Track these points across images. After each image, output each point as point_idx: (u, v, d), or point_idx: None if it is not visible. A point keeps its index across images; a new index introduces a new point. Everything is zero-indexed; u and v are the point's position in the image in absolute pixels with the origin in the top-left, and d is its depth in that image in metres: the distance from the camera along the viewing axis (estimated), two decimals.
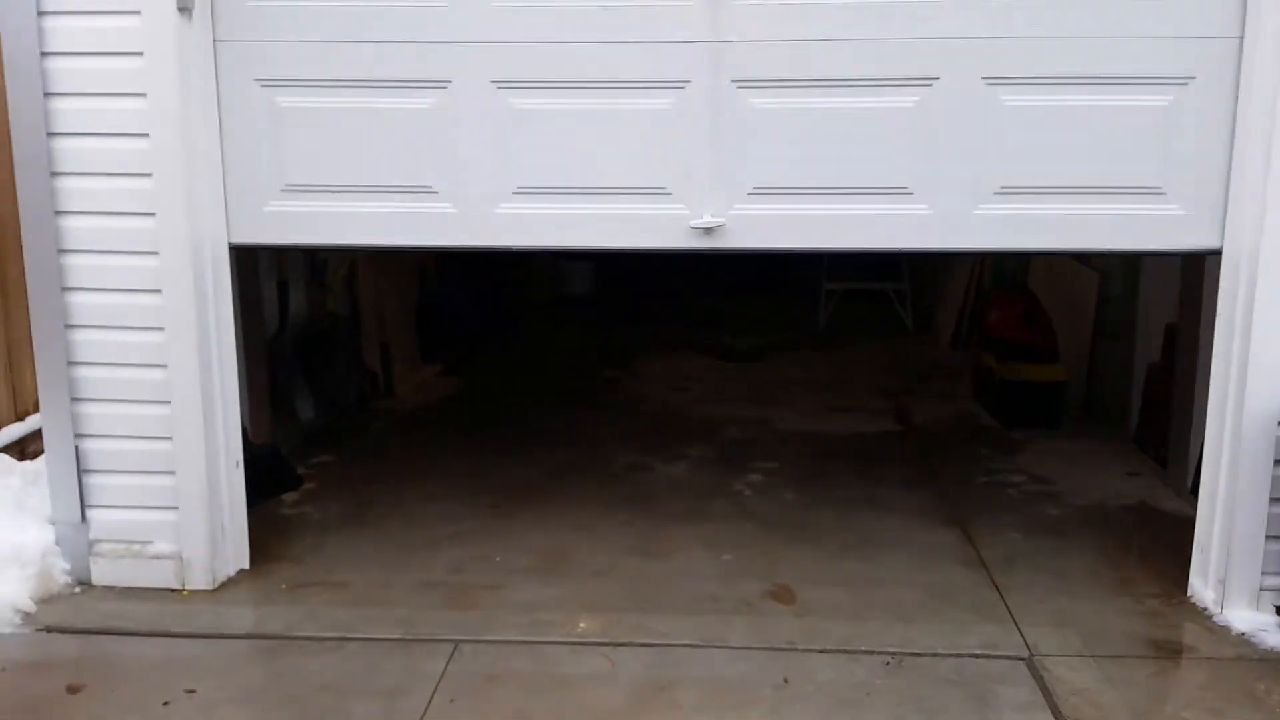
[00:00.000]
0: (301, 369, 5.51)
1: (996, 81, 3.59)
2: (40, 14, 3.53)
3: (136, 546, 3.85)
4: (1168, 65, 3.54)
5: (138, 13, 3.52)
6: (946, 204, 3.68)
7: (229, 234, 3.80)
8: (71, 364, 3.74)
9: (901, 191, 3.68)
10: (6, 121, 3.72)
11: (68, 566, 3.86)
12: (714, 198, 3.72)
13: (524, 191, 3.76)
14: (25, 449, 4.61)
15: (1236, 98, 3.52)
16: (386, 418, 5.86)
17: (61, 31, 3.55)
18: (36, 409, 4.84)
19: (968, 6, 3.56)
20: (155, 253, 3.67)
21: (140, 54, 3.55)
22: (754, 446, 5.34)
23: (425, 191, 3.78)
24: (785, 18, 3.58)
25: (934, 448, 5.39)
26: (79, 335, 3.73)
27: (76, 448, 3.79)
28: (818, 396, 6.22)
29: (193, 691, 3.21)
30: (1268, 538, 3.61)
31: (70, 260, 3.69)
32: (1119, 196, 3.64)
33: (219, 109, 3.71)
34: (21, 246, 3.74)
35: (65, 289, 3.70)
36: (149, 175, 3.62)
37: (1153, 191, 3.63)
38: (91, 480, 3.83)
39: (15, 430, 4.72)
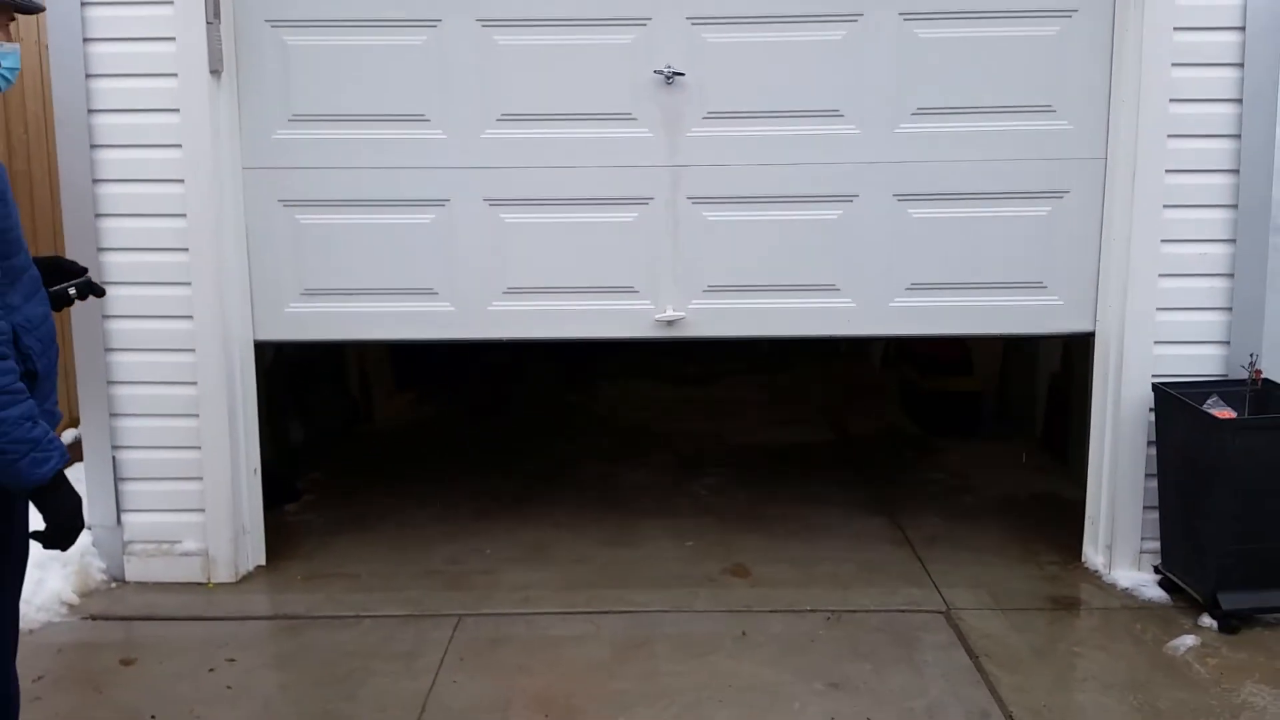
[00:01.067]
0: (292, 395, 5.99)
1: (905, 198, 4.27)
2: (92, 147, 4.09)
3: (166, 545, 4.32)
4: (1047, 183, 4.25)
5: (179, 145, 4.07)
6: (867, 297, 4.33)
7: (254, 332, 4.34)
8: (110, 382, 4.23)
9: (830, 288, 4.34)
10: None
11: (104, 565, 4.31)
12: (675, 295, 4.34)
13: (513, 292, 4.34)
14: None
15: (1103, 207, 4.24)
16: (368, 439, 6.35)
17: (113, 163, 4.11)
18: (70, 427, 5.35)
19: (879, 139, 4.24)
20: (191, 348, 4.21)
21: (181, 181, 4.09)
22: (709, 455, 5.92)
23: (427, 293, 4.35)
24: (730, 146, 4.23)
25: (866, 453, 6.02)
26: (116, 357, 4.23)
27: (114, 458, 4.27)
28: (764, 413, 6.82)
29: (233, 660, 3.71)
30: (1145, 508, 4.28)
31: (111, 325, 4.20)
32: (1009, 290, 4.33)
33: (246, 226, 4.26)
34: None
35: (108, 349, 4.22)
36: (188, 284, 4.17)
37: (1037, 285, 4.32)
38: (126, 487, 4.30)
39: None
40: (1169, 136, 4.08)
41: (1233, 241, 4.16)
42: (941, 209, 4.30)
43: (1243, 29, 4.03)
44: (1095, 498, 4.40)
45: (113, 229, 4.14)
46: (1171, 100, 4.06)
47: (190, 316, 4.18)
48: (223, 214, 4.16)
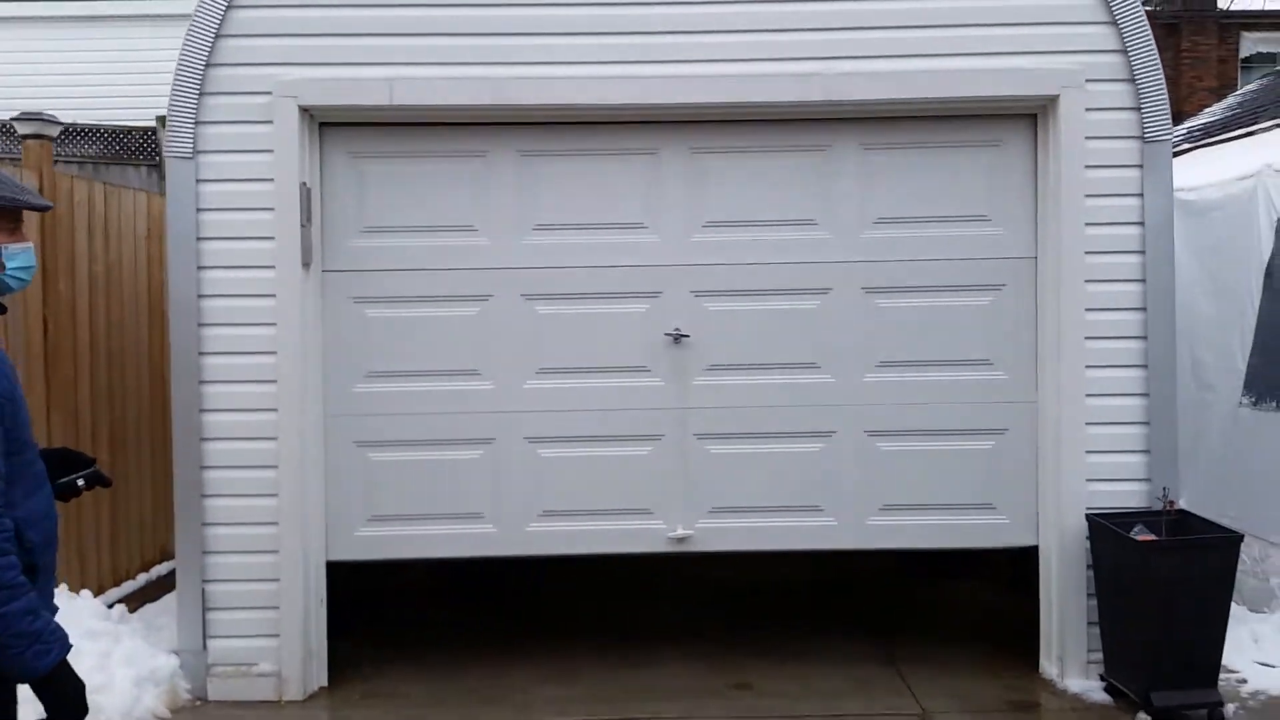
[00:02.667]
0: None
1: (876, 434, 5.13)
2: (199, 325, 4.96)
3: (245, 668, 4.95)
4: (992, 422, 5.15)
5: (274, 382, 4.94)
6: (846, 516, 5.16)
7: (327, 553, 5.09)
8: (204, 525, 4.95)
9: (815, 509, 5.16)
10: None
11: (189, 685, 4.93)
12: (684, 515, 5.16)
13: (548, 514, 5.13)
14: (130, 604, 5.69)
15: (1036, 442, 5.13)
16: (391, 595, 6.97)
17: (217, 368, 4.97)
18: (130, 576, 6.04)
19: (852, 386, 5.13)
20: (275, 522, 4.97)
21: (275, 410, 4.94)
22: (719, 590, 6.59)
23: (474, 517, 5.11)
24: (728, 392, 5.13)
25: (863, 586, 6.69)
26: (212, 503, 4.97)
27: (203, 589, 4.95)
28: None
29: None
30: (1088, 623, 4.97)
31: (209, 475, 4.98)
32: (964, 510, 5.15)
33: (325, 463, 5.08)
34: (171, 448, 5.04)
35: (204, 496, 4.96)
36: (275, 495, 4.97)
37: (987, 507, 5.16)
38: (212, 616, 4.96)
39: (128, 587, 5.86)
40: (1087, 331, 4.99)
41: (1146, 395, 5.01)
42: (908, 443, 5.14)
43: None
44: (1047, 616, 5.10)
45: (214, 392, 4.95)
46: (1087, 281, 4.98)
47: (275, 494, 4.96)
48: (306, 451, 4.98)
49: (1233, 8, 19.84)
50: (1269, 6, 20.82)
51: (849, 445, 5.14)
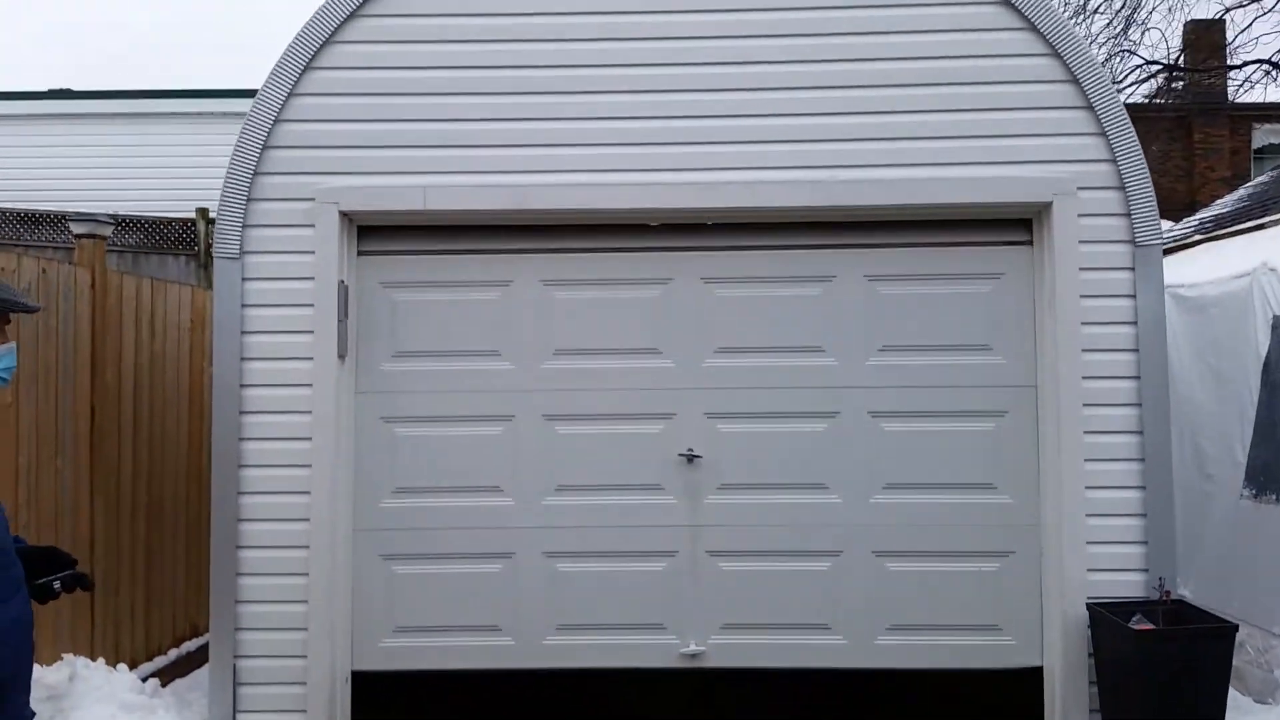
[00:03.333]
0: None
1: (883, 554, 5.35)
2: (240, 413, 5.29)
3: None
4: (999, 544, 5.37)
5: (308, 466, 5.26)
6: (855, 636, 5.31)
7: (352, 663, 5.34)
8: (238, 602, 5.19)
9: (823, 628, 5.33)
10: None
11: None
12: (696, 631, 5.37)
13: (564, 628, 5.33)
14: (162, 678, 5.91)
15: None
16: None
17: (255, 450, 5.30)
18: (162, 651, 6.26)
19: (858, 507, 5.36)
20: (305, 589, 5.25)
21: (308, 492, 5.27)
22: None
23: (493, 629, 5.34)
24: (739, 511, 5.37)
25: None
26: (245, 581, 5.21)
27: (235, 665, 5.17)
28: None
29: None
30: (1090, 710, 5.10)
31: (244, 554, 5.24)
32: (968, 631, 5.32)
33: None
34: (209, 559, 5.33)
35: (239, 574, 5.23)
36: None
37: (994, 628, 5.34)
38: (243, 691, 5.18)
39: (160, 661, 6.09)
40: (1086, 425, 5.21)
41: (1143, 488, 5.20)
42: (915, 563, 5.34)
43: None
44: (1050, 703, 5.23)
45: (251, 475, 5.24)
46: (1085, 405, 5.21)
47: (307, 547, 5.22)
48: (335, 566, 5.27)
49: (1244, 100, 20.24)
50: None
51: (857, 565, 5.33)
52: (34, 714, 2.74)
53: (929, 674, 5.32)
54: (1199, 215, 12.20)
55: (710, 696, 5.34)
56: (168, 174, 14.30)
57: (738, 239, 5.47)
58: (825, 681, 5.32)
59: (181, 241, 11.76)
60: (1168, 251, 9.18)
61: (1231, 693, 5.54)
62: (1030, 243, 5.40)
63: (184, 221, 11.72)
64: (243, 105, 14.94)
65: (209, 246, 11.60)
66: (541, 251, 5.47)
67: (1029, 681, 5.28)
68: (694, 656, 5.33)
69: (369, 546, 5.38)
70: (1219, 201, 12.95)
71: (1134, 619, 4.90)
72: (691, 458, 5.35)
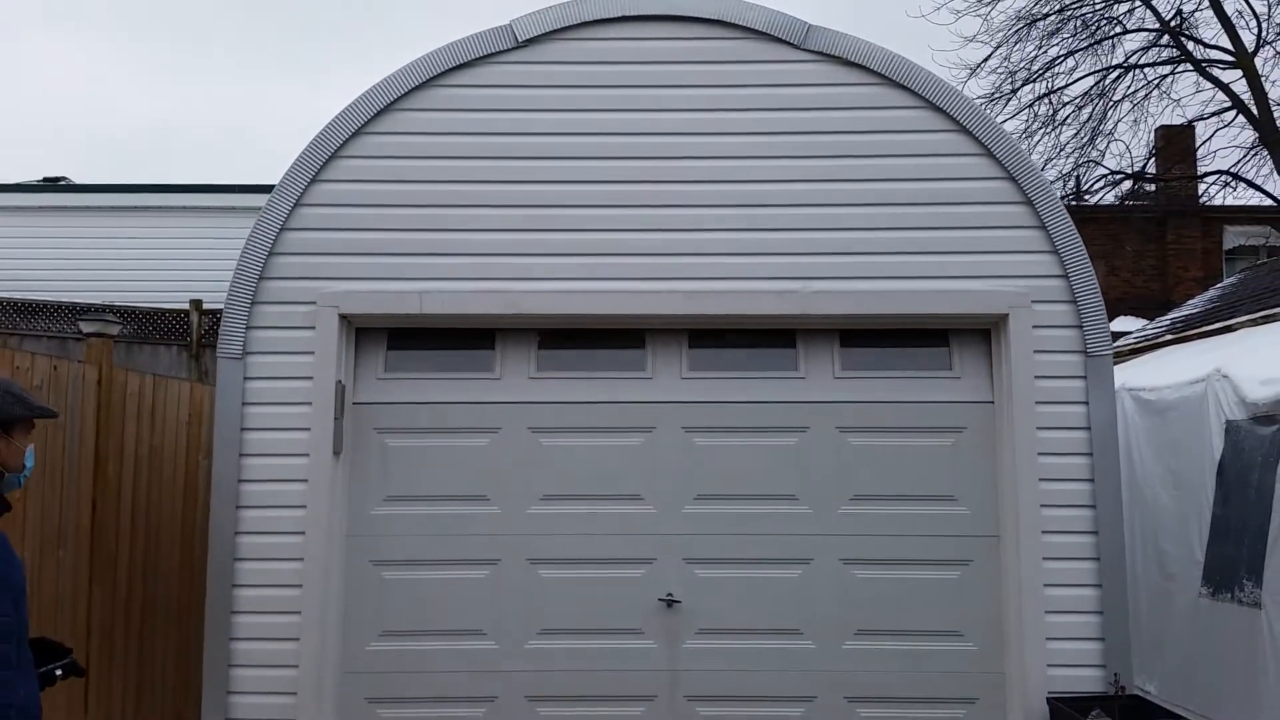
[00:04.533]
0: None
1: (855, 700, 5.62)
2: (237, 507, 5.53)
3: None
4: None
5: (300, 559, 5.54)
6: None
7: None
8: (229, 693, 5.35)
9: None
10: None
11: None
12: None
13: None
14: None
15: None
16: None
17: (251, 520, 5.55)
18: None
19: (830, 653, 5.57)
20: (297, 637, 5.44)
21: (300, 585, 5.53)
22: None
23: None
24: (717, 655, 5.54)
25: None
26: (237, 673, 5.38)
27: None
28: None
29: None
30: None
31: (236, 646, 5.43)
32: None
33: (344, 577, 5.64)
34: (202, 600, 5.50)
35: (230, 665, 5.41)
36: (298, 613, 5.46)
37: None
38: None
39: None
40: (1044, 525, 5.48)
41: (1099, 585, 5.44)
42: (884, 710, 5.53)
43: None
44: None
45: (247, 569, 5.44)
46: (1043, 506, 5.49)
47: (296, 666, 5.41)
48: (330, 577, 5.49)
49: (1215, 203, 20.94)
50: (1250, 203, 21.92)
51: (830, 710, 5.54)
52: None
53: None
54: (1171, 315, 12.64)
55: None
56: (160, 265, 14.68)
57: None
58: None
59: (174, 332, 12.03)
60: (1140, 350, 9.58)
61: None
62: (991, 402, 5.72)
63: (176, 313, 12.02)
64: (236, 200, 15.46)
65: (200, 338, 11.90)
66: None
67: None
68: None
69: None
70: (1190, 302, 13.42)
71: (1092, 714, 5.11)
72: (670, 602, 5.56)
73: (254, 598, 5.43)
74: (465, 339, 5.81)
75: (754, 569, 5.61)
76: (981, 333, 5.76)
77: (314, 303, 5.57)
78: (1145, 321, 15.84)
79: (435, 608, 5.58)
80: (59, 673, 3.06)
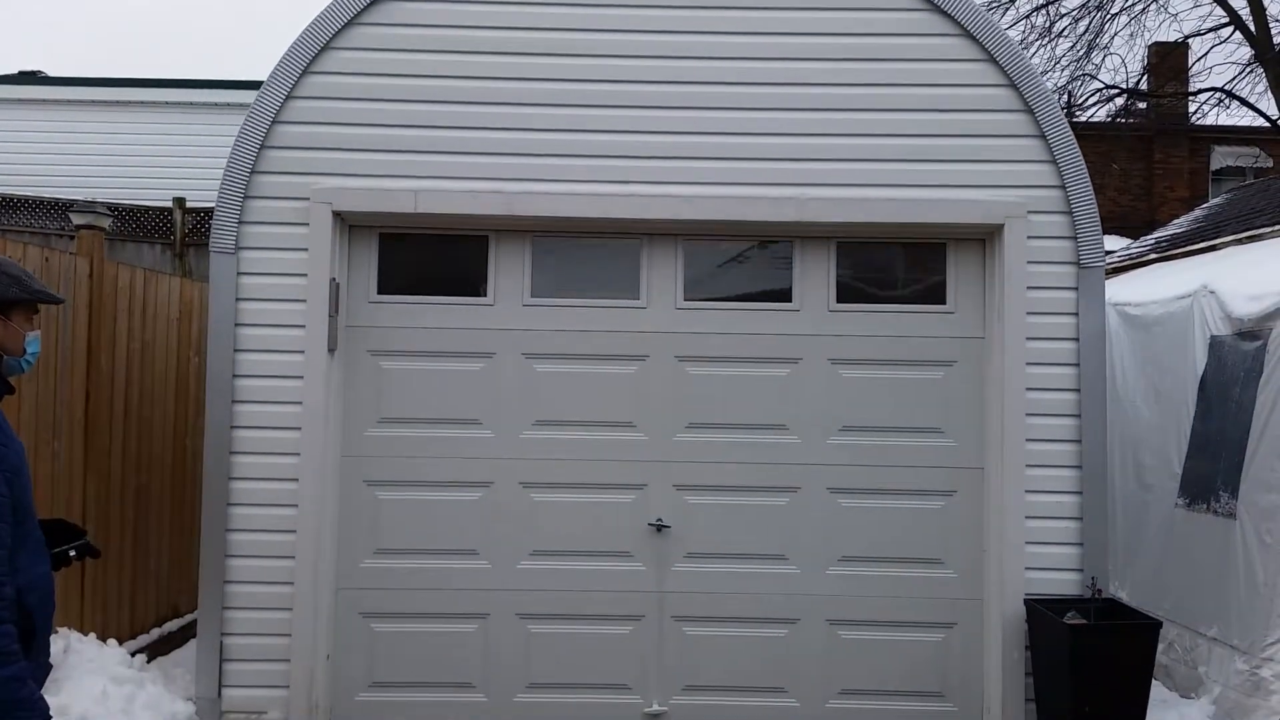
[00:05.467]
0: None
1: (837, 622, 5.70)
2: (233, 402, 5.53)
3: (255, 715, 5.41)
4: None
5: (296, 454, 5.55)
6: (809, 697, 5.62)
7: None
8: (226, 583, 5.44)
9: (779, 690, 5.62)
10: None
11: None
12: (659, 692, 5.67)
13: (535, 686, 5.60)
14: (146, 656, 6.14)
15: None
16: None
17: (246, 414, 5.56)
18: (145, 630, 6.49)
19: (814, 578, 5.68)
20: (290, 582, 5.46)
21: (296, 480, 5.54)
22: None
23: (466, 686, 5.58)
24: (704, 579, 5.67)
25: None
26: (234, 563, 5.46)
27: (221, 642, 5.42)
28: None
29: None
30: (1026, 700, 5.46)
31: (233, 537, 5.49)
32: (912, 697, 5.63)
33: (338, 493, 5.67)
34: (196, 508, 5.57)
35: (228, 555, 5.48)
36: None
37: (937, 695, 5.66)
38: (229, 667, 5.42)
39: (143, 640, 6.32)
40: (1029, 434, 5.56)
41: (1079, 493, 5.57)
42: (865, 631, 5.67)
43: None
44: (990, 692, 5.59)
45: (242, 462, 5.49)
46: (1028, 415, 5.57)
47: (294, 531, 5.48)
48: (325, 491, 5.55)
49: (1204, 122, 20.85)
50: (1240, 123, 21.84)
51: (812, 631, 5.67)
52: (52, 666, 2.99)
53: None
54: (1155, 234, 12.67)
55: None
56: (144, 163, 14.42)
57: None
58: None
59: (157, 230, 11.90)
60: (1124, 268, 9.65)
61: (1159, 687, 5.97)
62: (982, 337, 5.76)
63: (160, 210, 11.88)
64: (220, 96, 15.12)
65: (184, 236, 11.78)
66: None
67: None
68: (656, 717, 5.62)
69: (350, 603, 5.64)
70: (1175, 222, 13.44)
71: (1068, 615, 5.27)
72: (660, 527, 5.65)
73: (250, 490, 5.48)
74: (458, 257, 5.80)
75: (742, 496, 5.70)
76: (977, 259, 5.77)
77: (307, 199, 5.52)
78: (1129, 241, 15.88)
79: (429, 528, 5.65)
80: (72, 553, 3.06)
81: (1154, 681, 5.24)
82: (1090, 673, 5.01)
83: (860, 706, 5.62)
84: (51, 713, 2.68)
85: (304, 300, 5.51)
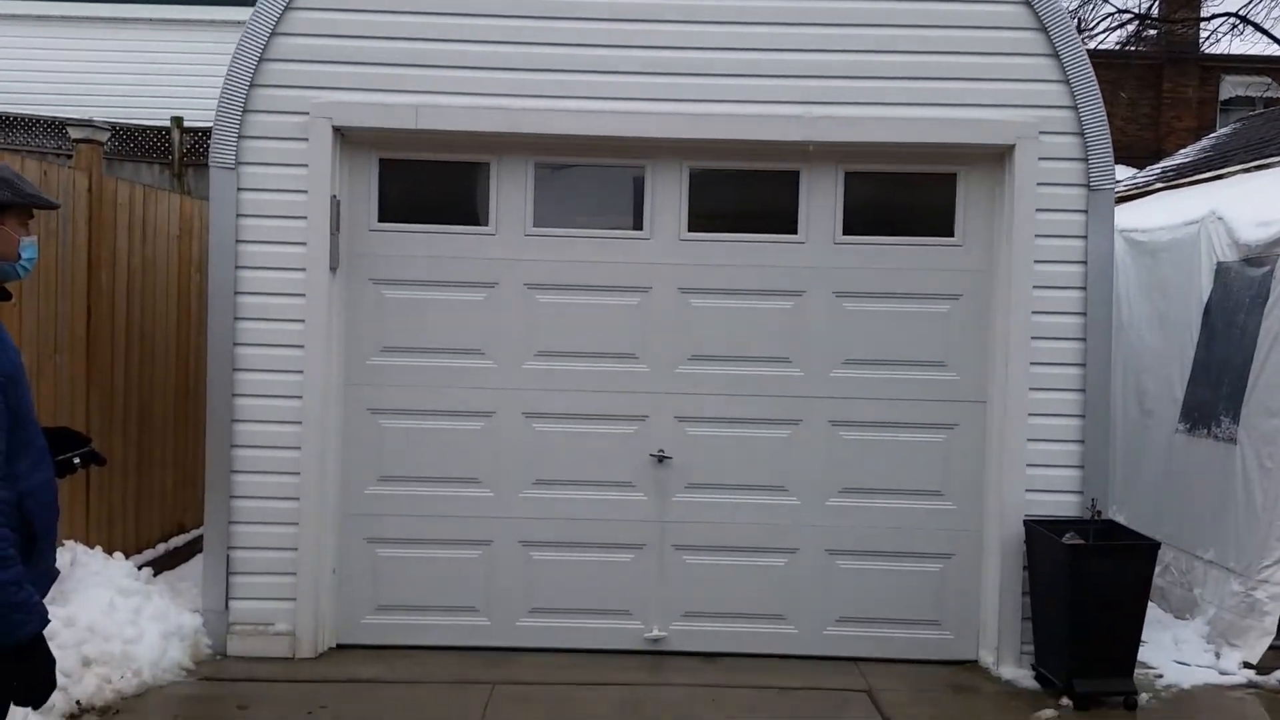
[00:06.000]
0: None
1: (835, 553, 5.71)
2: (235, 319, 5.50)
3: (263, 627, 5.48)
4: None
5: (300, 372, 5.52)
6: (806, 625, 5.68)
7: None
8: (232, 497, 5.48)
9: (777, 618, 5.67)
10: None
11: (210, 642, 5.44)
12: (659, 618, 5.71)
13: (538, 611, 5.65)
14: (152, 570, 6.21)
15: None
16: None
17: (250, 330, 5.52)
18: (151, 545, 6.55)
19: (814, 509, 5.70)
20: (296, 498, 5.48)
21: (300, 396, 5.52)
22: None
23: (469, 610, 5.65)
24: (704, 509, 5.68)
25: None
26: (240, 478, 5.49)
27: (228, 555, 5.47)
28: None
29: (324, 708, 4.85)
30: (1023, 619, 5.53)
31: (238, 453, 5.49)
32: (909, 625, 5.69)
33: (342, 420, 5.64)
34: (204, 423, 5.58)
35: (233, 471, 5.49)
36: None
37: (933, 623, 5.70)
38: (236, 580, 5.48)
39: (149, 554, 6.38)
40: (1033, 357, 5.55)
41: (1082, 417, 5.57)
42: (865, 561, 5.70)
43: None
44: (987, 611, 5.66)
45: (246, 379, 5.49)
46: (1033, 338, 5.51)
47: (299, 422, 5.51)
48: (328, 409, 5.55)
49: (1215, 50, 20.55)
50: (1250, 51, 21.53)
51: (811, 561, 5.70)
52: (59, 572, 3.02)
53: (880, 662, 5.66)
54: (1162, 164, 12.52)
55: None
56: (141, 81, 14.19)
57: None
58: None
59: (155, 150, 11.79)
60: (1129, 198, 9.55)
61: (1154, 609, 6.05)
62: (989, 271, 5.69)
63: (158, 129, 11.74)
64: (219, 13, 14.79)
65: (183, 156, 11.65)
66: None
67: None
68: (656, 641, 5.68)
69: (355, 529, 5.66)
70: (1182, 151, 13.27)
71: (1067, 535, 5.31)
72: (662, 458, 5.65)
73: (254, 407, 5.48)
74: (459, 185, 5.75)
75: (744, 428, 5.70)
76: (986, 188, 5.68)
77: (307, 113, 5.43)
78: (1135, 171, 15.71)
79: (432, 456, 5.66)
80: (77, 460, 3.04)
81: (1150, 603, 5.29)
82: (1087, 592, 5.06)
83: (857, 634, 5.70)
84: (60, 622, 2.69)
85: (304, 217, 5.45)
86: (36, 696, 2.67)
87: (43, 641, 2.64)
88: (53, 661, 2.70)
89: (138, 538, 6.46)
